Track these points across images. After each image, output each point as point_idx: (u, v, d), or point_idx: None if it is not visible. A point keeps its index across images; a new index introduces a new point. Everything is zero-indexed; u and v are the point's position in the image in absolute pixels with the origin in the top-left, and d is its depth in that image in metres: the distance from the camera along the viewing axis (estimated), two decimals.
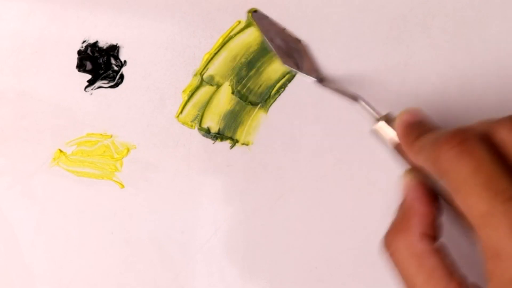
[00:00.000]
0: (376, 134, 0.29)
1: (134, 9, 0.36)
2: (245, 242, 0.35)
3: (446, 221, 0.25)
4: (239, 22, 0.35)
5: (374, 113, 0.29)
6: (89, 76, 0.36)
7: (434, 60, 0.33)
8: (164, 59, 0.36)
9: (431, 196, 0.25)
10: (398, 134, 0.27)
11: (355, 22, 0.34)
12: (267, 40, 0.34)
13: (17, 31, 0.37)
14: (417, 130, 0.25)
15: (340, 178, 0.34)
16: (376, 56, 0.33)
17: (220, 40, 0.35)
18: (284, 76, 0.34)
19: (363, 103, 0.30)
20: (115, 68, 0.36)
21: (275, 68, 0.34)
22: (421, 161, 0.24)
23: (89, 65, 0.36)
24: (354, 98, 0.31)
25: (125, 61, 0.36)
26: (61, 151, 0.37)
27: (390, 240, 0.25)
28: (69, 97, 0.37)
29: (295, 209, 0.34)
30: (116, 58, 0.36)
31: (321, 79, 0.33)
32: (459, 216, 0.24)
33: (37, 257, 0.37)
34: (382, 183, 0.33)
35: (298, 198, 0.34)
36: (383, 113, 0.29)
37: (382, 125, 0.28)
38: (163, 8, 0.36)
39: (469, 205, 0.20)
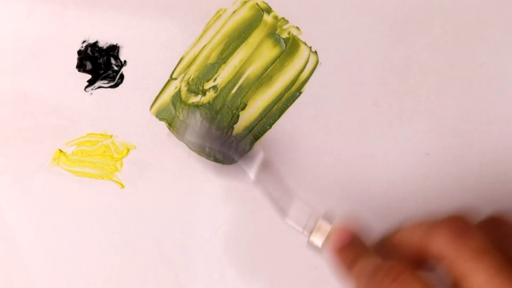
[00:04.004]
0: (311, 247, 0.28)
1: (134, 9, 0.36)
2: (245, 242, 0.35)
3: None
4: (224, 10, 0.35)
5: (302, 228, 0.29)
6: (89, 76, 0.37)
7: (434, 60, 0.33)
8: (164, 59, 0.36)
9: None
10: (333, 259, 0.27)
11: (355, 22, 0.34)
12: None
13: (17, 31, 0.37)
14: (349, 255, 0.26)
15: (340, 178, 0.34)
16: (376, 56, 0.33)
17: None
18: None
19: (290, 222, 0.29)
20: (115, 68, 0.36)
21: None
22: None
23: (89, 65, 0.36)
24: (282, 213, 0.30)
25: (125, 61, 0.36)
26: (61, 151, 0.37)
27: None
28: (69, 97, 0.37)
29: None
30: (116, 58, 0.36)
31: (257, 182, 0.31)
32: None
33: (37, 257, 0.37)
34: (383, 183, 0.33)
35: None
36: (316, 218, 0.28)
37: (315, 240, 0.28)
38: (163, 8, 0.36)
39: None
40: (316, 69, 0.34)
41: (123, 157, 0.36)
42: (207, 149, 0.33)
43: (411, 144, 0.33)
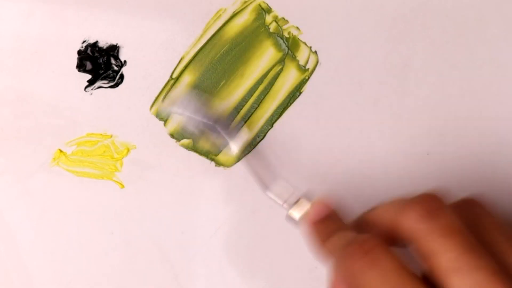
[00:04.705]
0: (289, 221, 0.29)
1: (134, 9, 0.36)
2: (245, 242, 0.35)
3: None
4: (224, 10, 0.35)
5: (282, 201, 0.30)
6: (89, 76, 0.36)
7: (434, 60, 0.33)
8: (164, 59, 0.36)
9: None
10: (308, 233, 0.28)
11: (355, 22, 0.34)
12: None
13: (17, 31, 0.37)
14: (324, 230, 0.26)
15: (340, 178, 0.34)
16: (376, 56, 0.33)
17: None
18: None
19: (271, 195, 0.30)
20: (115, 68, 0.36)
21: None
22: (332, 264, 0.25)
23: (89, 65, 0.36)
24: (264, 187, 0.31)
25: (125, 61, 0.36)
26: (61, 151, 0.37)
27: None
28: (69, 97, 0.37)
29: None
30: (116, 58, 0.36)
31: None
32: None
33: (37, 257, 0.37)
34: (383, 183, 0.33)
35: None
36: (299, 193, 0.29)
37: (293, 213, 0.29)
38: (163, 8, 0.36)
39: None
40: (316, 69, 0.34)
41: (123, 157, 0.36)
42: (194, 122, 0.33)
43: (411, 144, 0.33)
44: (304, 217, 0.28)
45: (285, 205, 0.30)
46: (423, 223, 0.22)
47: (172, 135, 0.35)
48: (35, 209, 0.37)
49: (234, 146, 0.33)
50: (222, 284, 0.35)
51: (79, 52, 0.37)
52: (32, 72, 0.37)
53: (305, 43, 0.34)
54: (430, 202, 0.22)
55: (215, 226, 0.35)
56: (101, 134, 0.36)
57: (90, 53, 0.36)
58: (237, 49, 0.35)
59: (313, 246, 0.27)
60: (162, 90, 0.35)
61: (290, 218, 0.29)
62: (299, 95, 0.34)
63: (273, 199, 0.30)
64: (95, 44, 0.36)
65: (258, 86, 0.34)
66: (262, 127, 0.35)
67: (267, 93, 0.34)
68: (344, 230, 0.26)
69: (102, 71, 0.36)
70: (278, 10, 0.35)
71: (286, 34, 0.34)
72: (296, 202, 0.29)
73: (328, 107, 0.34)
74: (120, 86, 0.36)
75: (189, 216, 0.35)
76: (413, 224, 0.22)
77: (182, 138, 0.35)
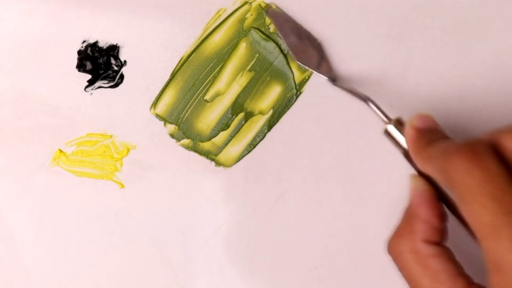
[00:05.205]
0: (385, 136, 0.28)
1: (134, 9, 0.36)
2: (245, 242, 0.35)
3: (453, 222, 0.25)
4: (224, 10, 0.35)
5: (383, 116, 0.29)
6: (89, 76, 0.36)
7: (434, 60, 0.33)
8: (164, 59, 0.36)
9: (437, 203, 0.25)
10: (407, 140, 0.27)
11: (355, 22, 0.34)
12: (281, 36, 0.34)
13: (17, 31, 0.37)
14: (426, 137, 0.26)
15: (340, 178, 0.34)
16: (376, 56, 0.33)
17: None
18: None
19: (372, 105, 0.30)
20: (115, 68, 0.36)
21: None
22: (429, 169, 0.24)
23: (89, 65, 0.36)
24: (364, 99, 0.30)
25: (125, 61, 0.36)
26: (61, 151, 0.37)
27: (394, 244, 0.25)
28: (69, 97, 0.37)
29: (295, 209, 0.34)
30: (116, 58, 0.36)
31: (334, 79, 0.32)
32: (465, 226, 0.24)
33: (37, 257, 0.37)
34: (383, 184, 0.33)
35: (298, 198, 0.34)
36: (392, 116, 0.29)
37: (391, 129, 0.28)
38: (163, 8, 0.36)
39: (474, 216, 0.20)
40: None
41: (123, 157, 0.36)
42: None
43: None
44: (404, 129, 0.27)
45: (384, 118, 0.29)
46: (468, 175, 0.21)
47: (172, 135, 0.35)
48: (35, 209, 0.37)
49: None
50: (222, 284, 0.35)
51: (79, 52, 0.37)
52: (32, 72, 0.37)
53: None
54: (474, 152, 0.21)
55: (215, 226, 0.35)
56: (101, 134, 0.36)
57: (90, 53, 0.36)
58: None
59: (414, 152, 0.26)
60: (162, 90, 0.35)
61: (386, 133, 0.28)
62: (299, 95, 0.34)
63: (374, 110, 0.29)
64: (95, 44, 0.36)
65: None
66: (262, 127, 0.35)
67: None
68: (446, 139, 0.25)
69: (102, 71, 0.36)
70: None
71: None
72: (394, 120, 0.28)
73: (328, 107, 0.34)
74: (120, 86, 0.36)
75: (189, 216, 0.35)
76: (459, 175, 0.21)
77: (182, 138, 0.35)
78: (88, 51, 0.36)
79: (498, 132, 0.22)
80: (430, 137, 0.25)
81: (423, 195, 0.25)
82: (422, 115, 0.27)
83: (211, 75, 0.35)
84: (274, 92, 0.34)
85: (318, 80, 0.34)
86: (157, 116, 0.35)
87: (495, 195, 0.20)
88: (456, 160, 0.21)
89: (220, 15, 0.35)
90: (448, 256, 0.24)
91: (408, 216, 0.25)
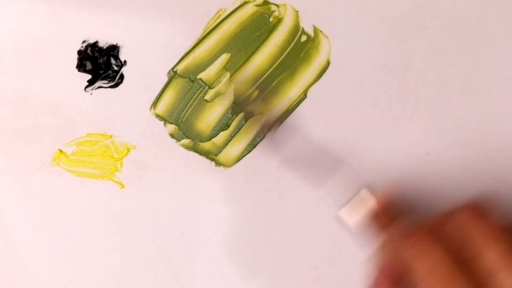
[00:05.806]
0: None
1: (134, 9, 0.36)
2: (245, 242, 0.35)
3: None
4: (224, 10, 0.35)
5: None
6: (89, 76, 0.37)
7: (434, 60, 0.33)
8: (164, 59, 0.36)
9: (397, 281, 0.27)
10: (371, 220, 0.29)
11: (355, 22, 0.34)
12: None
13: (17, 31, 0.37)
14: (385, 218, 0.29)
15: (340, 178, 0.34)
16: (376, 56, 0.33)
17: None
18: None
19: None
20: (115, 68, 0.36)
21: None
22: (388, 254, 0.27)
23: (89, 65, 0.36)
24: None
25: (125, 61, 0.36)
26: (61, 151, 0.37)
27: None
28: (69, 97, 0.37)
29: (295, 209, 0.34)
30: (116, 58, 0.36)
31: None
32: None
33: (37, 257, 0.37)
34: (383, 183, 0.33)
35: (298, 198, 0.34)
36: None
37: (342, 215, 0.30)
38: (163, 8, 0.36)
39: None
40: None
41: (123, 157, 0.36)
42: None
43: (411, 144, 0.33)
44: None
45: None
46: (471, 225, 0.23)
47: (172, 135, 0.35)
48: (35, 209, 0.37)
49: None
50: (222, 284, 0.35)
51: (79, 52, 0.37)
52: (32, 72, 0.37)
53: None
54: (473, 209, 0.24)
55: (215, 226, 0.35)
56: (101, 134, 0.36)
57: (90, 53, 0.36)
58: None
59: (372, 234, 0.28)
60: (162, 90, 0.35)
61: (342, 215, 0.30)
62: (305, 98, 0.34)
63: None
64: (95, 44, 0.36)
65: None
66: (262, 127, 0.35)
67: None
68: (403, 219, 0.28)
69: (102, 71, 0.36)
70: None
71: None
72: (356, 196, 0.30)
73: (328, 107, 0.34)
74: (120, 86, 0.36)
75: (189, 216, 0.35)
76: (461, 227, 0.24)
77: (182, 138, 0.35)
78: (88, 51, 0.36)
79: (444, 215, 0.25)
80: (390, 216, 0.29)
81: (385, 273, 0.27)
82: (378, 197, 0.30)
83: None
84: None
85: (318, 80, 0.34)
86: (157, 116, 0.35)
87: (444, 281, 0.22)
88: (407, 246, 0.24)
89: (220, 15, 0.35)
90: None
91: None
